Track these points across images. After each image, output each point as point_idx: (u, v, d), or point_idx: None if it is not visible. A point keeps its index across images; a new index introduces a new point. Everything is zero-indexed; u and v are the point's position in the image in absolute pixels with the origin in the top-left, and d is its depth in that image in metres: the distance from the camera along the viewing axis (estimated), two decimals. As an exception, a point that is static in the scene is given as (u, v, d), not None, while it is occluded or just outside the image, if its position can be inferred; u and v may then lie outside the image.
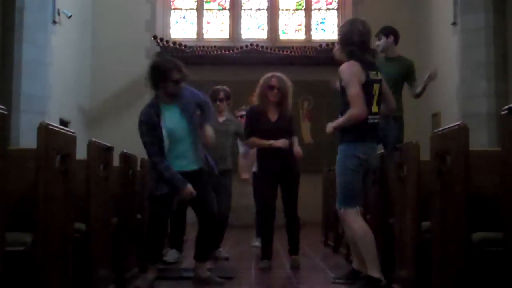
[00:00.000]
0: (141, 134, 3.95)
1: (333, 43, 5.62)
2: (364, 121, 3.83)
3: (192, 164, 4.06)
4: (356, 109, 3.80)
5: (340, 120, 3.89)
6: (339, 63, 3.99)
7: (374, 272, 3.74)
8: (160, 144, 3.93)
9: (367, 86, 3.84)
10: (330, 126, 3.97)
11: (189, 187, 3.93)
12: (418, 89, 5.56)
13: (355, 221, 3.84)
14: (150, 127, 3.92)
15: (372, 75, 3.89)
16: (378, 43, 5.62)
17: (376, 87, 3.90)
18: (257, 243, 6.46)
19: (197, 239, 4.27)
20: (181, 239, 5.54)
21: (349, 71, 3.84)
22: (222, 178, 5.53)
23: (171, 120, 3.98)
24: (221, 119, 5.62)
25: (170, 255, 5.30)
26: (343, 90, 3.89)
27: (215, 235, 4.22)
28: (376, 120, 3.93)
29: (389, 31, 5.65)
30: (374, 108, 3.89)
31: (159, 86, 3.97)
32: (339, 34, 4.10)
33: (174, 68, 3.95)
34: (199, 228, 4.24)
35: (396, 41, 5.65)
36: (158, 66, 4.01)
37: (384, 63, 5.42)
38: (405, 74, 5.57)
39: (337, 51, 4.06)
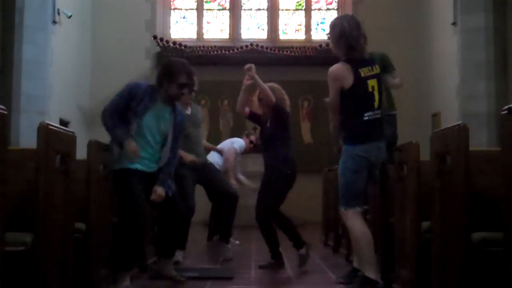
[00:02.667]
0: (119, 93, 3.94)
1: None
2: (359, 119, 3.78)
3: (152, 167, 3.89)
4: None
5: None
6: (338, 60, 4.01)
7: (371, 273, 3.71)
8: (129, 121, 3.82)
9: (358, 85, 3.79)
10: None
11: (132, 143, 3.71)
12: (397, 80, 5.39)
13: (354, 222, 3.79)
14: (131, 96, 3.86)
15: (364, 71, 3.83)
16: None
17: (371, 82, 3.84)
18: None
19: (167, 235, 4.11)
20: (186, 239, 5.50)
21: (331, 77, 3.85)
22: (206, 170, 5.48)
23: (155, 117, 3.87)
24: (188, 111, 5.48)
25: (178, 256, 5.28)
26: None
27: (185, 232, 4.08)
28: (376, 116, 3.83)
29: None
30: (375, 105, 3.83)
31: (163, 84, 3.93)
32: (331, 30, 3.97)
33: (183, 72, 3.94)
34: (170, 224, 4.03)
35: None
36: (168, 65, 3.98)
37: None
38: (381, 69, 5.51)
39: (332, 45, 3.97)
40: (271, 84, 5.14)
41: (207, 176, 5.45)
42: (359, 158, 3.78)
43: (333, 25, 3.93)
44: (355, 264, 4.09)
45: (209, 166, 5.55)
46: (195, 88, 5.37)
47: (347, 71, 3.80)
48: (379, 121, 3.88)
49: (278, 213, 4.98)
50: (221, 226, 5.60)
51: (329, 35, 3.98)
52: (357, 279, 3.86)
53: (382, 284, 3.78)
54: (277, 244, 5.05)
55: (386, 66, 5.53)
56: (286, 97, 5.17)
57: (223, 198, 5.48)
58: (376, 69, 3.93)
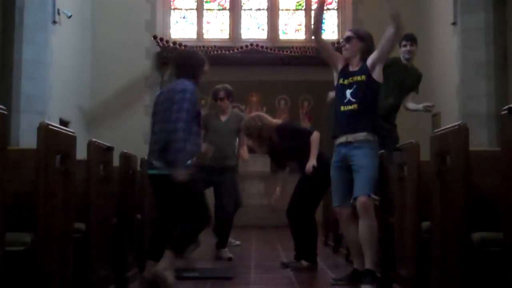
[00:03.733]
0: (190, 104, 3.63)
1: (338, 41, 5.65)
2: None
3: None
4: None
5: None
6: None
7: (374, 265, 3.86)
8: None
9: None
10: None
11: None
12: (411, 106, 5.61)
13: (373, 212, 3.90)
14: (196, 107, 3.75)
15: None
16: (411, 49, 5.47)
17: None
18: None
19: (183, 230, 3.73)
20: None
21: None
22: (225, 174, 5.57)
23: None
24: (223, 118, 5.66)
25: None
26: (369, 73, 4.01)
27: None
28: None
29: (416, 40, 5.55)
30: None
31: (198, 74, 3.85)
32: (365, 35, 4.17)
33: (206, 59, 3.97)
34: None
35: None
36: (197, 56, 3.94)
37: (403, 72, 5.44)
38: (414, 85, 5.64)
39: (355, 46, 4.10)
40: (249, 119, 5.22)
41: (220, 184, 5.53)
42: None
43: (366, 38, 4.13)
44: (358, 266, 4.06)
45: (227, 175, 5.60)
46: (222, 95, 5.61)
47: None
48: None
49: (312, 220, 5.07)
50: (218, 235, 5.71)
51: (353, 39, 4.11)
52: (364, 276, 3.88)
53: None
54: (302, 245, 5.07)
55: (416, 86, 5.67)
56: (264, 121, 5.12)
57: (220, 211, 5.59)
58: None
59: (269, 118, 5.24)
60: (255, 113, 5.39)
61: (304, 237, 5.03)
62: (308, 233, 5.02)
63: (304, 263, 4.93)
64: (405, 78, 5.45)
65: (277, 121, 5.33)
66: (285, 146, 5.07)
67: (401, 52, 5.49)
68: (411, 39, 5.49)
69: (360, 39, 4.10)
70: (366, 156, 3.92)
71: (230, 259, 5.45)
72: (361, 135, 3.95)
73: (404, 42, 5.46)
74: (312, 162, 4.81)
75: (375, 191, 3.90)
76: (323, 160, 4.89)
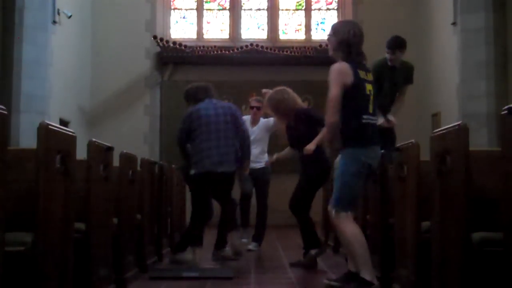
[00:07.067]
0: None
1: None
2: (358, 120, 3.75)
3: None
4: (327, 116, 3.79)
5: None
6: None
7: (367, 274, 3.64)
8: None
9: (358, 84, 3.76)
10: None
11: None
12: (394, 109, 5.70)
13: (345, 225, 3.73)
14: None
15: (362, 74, 3.80)
16: (392, 58, 5.45)
17: (368, 86, 3.82)
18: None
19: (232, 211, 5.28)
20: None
21: (336, 71, 3.77)
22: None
23: None
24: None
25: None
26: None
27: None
28: (373, 121, 3.83)
29: (403, 45, 5.49)
30: (370, 108, 3.81)
31: None
32: (335, 27, 3.98)
33: None
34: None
35: None
36: None
37: (391, 73, 5.47)
38: (406, 78, 5.66)
39: (332, 44, 3.93)
40: (280, 89, 5.28)
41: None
42: (362, 163, 3.73)
43: (337, 31, 3.91)
44: (351, 267, 4.02)
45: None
46: None
47: (348, 69, 3.77)
48: (375, 126, 3.86)
49: (306, 214, 5.16)
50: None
51: (329, 36, 3.98)
52: (353, 282, 3.80)
53: (378, 285, 3.72)
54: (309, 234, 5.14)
55: (409, 78, 5.68)
56: (285, 96, 5.29)
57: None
58: (370, 76, 3.90)
59: (294, 96, 5.31)
60: (282, 87, 5.40)
61: (305, 228, 5.15)
62: (305, 224, 5.15)
63: (312, 251, 5.03)
64: (394, 77, 5.53)
65: (301, 103, 5.40)
66: (297, 130, 5.19)
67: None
68: (392, 47, 5.45)
69: (333, 33, 3.90)
70: (342, 165, 3.77)
71: (240, 253, 5.38)
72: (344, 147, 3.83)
73: (387, 50, 5.46)
74: (311, 145, 4.97)
75: (343, 201, 3.72)
76: (323, 162, 5.11)
